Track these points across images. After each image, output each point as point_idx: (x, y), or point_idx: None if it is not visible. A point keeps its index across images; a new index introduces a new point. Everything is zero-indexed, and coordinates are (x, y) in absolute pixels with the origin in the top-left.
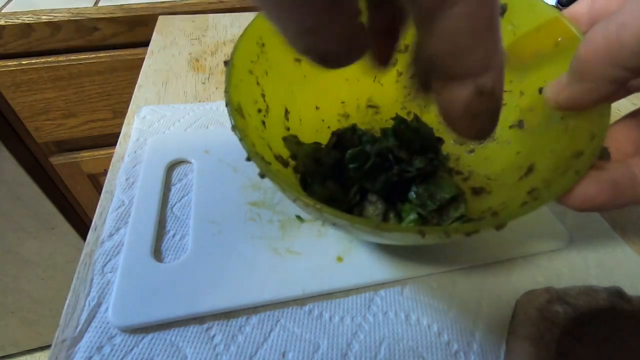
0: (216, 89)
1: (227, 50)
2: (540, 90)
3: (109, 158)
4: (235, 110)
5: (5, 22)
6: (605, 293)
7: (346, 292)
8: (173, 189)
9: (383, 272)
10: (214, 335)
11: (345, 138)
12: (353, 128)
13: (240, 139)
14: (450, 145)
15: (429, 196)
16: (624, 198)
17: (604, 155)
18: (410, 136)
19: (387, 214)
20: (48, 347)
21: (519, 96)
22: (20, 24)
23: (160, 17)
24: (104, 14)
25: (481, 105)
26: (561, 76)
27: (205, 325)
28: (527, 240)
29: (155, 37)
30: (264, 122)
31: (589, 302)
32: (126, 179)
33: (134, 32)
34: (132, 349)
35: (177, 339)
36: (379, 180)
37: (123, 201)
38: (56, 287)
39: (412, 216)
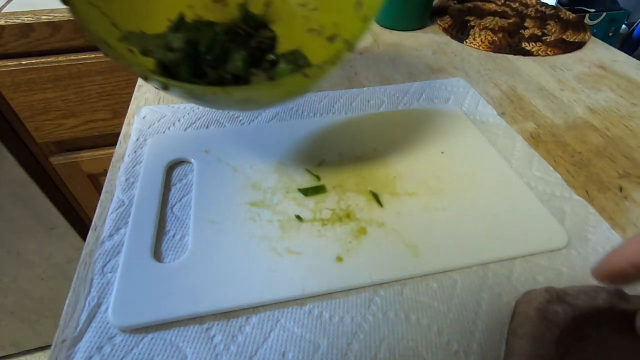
0: None
1: None
2: None
3: (109, 158)
4: (99, 39)
5: (5, 22)
6: (605, 293)
7: (346, 292)
8: (173, 189)
9: (383, 272)
10: (214, 335)
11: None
12: (204, 22)
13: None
14: (294, 8)
15: (294, 56)
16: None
17: None
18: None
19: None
20: (48, 347)
21: None
22: (20, 24)
23: None
24: None
25: None
26: None
27: (205, 325)
28: (527, 240)
29: None
30: (131, 50)
31: (589, 301)
32: (126, 179)
33: None
34: (132, 349)
35: (177, 339)
36: (241, 56)
37: (123, 201)
38: (56, 287)
39: (288, 67)
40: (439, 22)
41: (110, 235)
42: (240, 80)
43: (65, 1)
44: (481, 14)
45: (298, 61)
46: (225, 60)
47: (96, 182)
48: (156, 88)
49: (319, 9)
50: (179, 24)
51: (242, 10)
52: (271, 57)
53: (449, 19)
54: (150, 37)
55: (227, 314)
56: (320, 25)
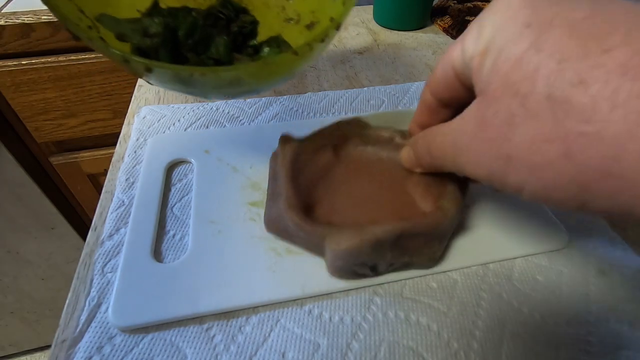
0: None
1: None
2: None
3: (109, 158)
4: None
5: (5, 22)
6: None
7: (346, 292)
8: (173, 189)
9: None
10: (214, 335)
11: (179, 20)
12: (180, 8)
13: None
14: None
15: (276, 42)
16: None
17: None
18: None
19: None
20: (48, 347)
21: None
22: (20, 24)
23: None
24: None
25: None
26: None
27: (205, 325)
28: (527, 240)
29: None
30: (102, 38)
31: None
32: (126, 179)
33: None
34: (132, 349)
35: (177, 339)
36: (223, 41)
37: (123, 201)
38: (56, 287)
39: (273, 51)
40: (439, 22)
41: (110, 235)
42: (222, 65)
43: None
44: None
45: (281, 46)
46: (206, 46)
47: (96, 182)
48: (135, 74)
49: None
50: (153, 10)
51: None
52: (254, 42)
53: (449, 19)
54: (124, 21)
55: (227, 314)
56: (298, 14)
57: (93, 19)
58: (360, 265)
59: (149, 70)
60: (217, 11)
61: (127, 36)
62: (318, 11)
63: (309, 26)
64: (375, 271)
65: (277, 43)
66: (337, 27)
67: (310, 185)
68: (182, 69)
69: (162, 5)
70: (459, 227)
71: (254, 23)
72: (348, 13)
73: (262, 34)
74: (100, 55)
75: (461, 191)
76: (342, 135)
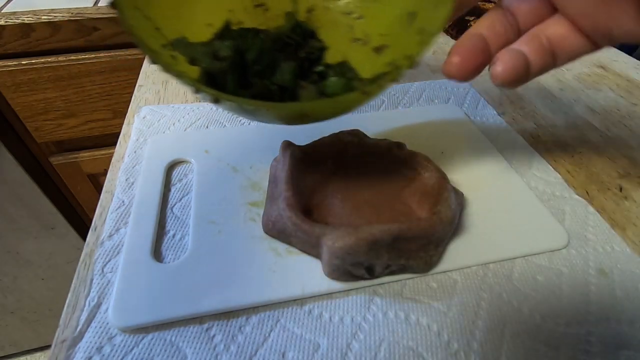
0: None
1: None
2: None
3: (109, 158)
4: (146, 46)
5: (5, 22)
6: (346, 134)
7: (346, 292)
8: (173, 189)
9: None
10: (214, 335)
11: (247, 42)
12: (250, 30)
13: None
14: (338, 16)
15: (342, 68)
16: (523, 77)
17: None
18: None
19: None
20: (48, 347)
21: None
22: (20, 24)
23: None
24: (104, 14)
25: None
26: None
27: (205, 325)
28: (527, 240)
29: None
30: (173, 57)
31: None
32: (126, 179)
33: None
34: (132, 349)
35: (177, 339)
36: (289, 67)
37: (123, 201)
38: (56, 287)
39: (339, 81)
40: None
41: (110, 235)
42: (286, 91)
43: (112, 5)
44: (481, 14)
45: (346, 73)
46: (272, 71)
47: (96, 182)
48: (205, 101)
49: (365, 17)
50: (225, 32)
51: (290, 20)
52: (320, 68)
53: None
54: (197, 45)
55: (227, 314)
56: (366, 35)
57: (167, 43)
58: (356, 266)
59: (217, 101)
60: (286, 36)
61: (198, 60)
62: (388, 35)
63: (377, 49)
64: (371, 273)
65: (343, 69)
66: (411, 64)
67: (309, 191)
68: (249, 103)
69: (233, 26)
70: (459, 227)
71: (322, 49)
72: (423, 48)
73: (329, 54)
74: (100, 55)
75: (457, 199)
76: (342, 144)
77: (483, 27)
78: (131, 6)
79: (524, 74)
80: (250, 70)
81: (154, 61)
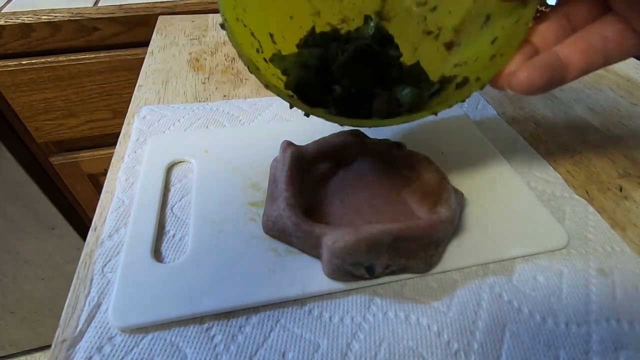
0: (216, 89)
1: (227, 50)
2: None
3: (109, 158)
4: (253, 65)
5: (5, 22)
6: (344, 134)
7: (346, 292)
8: (173, 189)
9: None
10: (214, 335)
11: (328, 50)
12: (334, 37)
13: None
14: (412, 5)
15: (415, 72)
16: (557, 79)
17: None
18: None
19: (390, 99)
20: (48, 347)
21: None
22: (20, 24)
23: (160, 17)
24: (104, 14)
25: None
26: None
27: (205, 325)
28: (527, 240)
29: (155, 37)
30: (265, 60)
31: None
32: (126, 179)
33: (134, 32)
34: (132, 349)
35: (177, 339)
36: (369, 75)
37: (123, 201)
38: (56, 287)
39: (407, 91)
40: None
41: (110, 235)
42: (360, 94)
43: (222, 26)
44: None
45: (419, 77)
46: (352, 80)
47: (96, 182)
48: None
49: (439, 8)
50: (310, 37)
51: (374, 29)
52: (394, 74)
53: None
54: (289, 56)
55: (227, 314)
56: (439, 28)
57: (267, 58)
58: (356, 266)
59: (307, 115)
60: (366, 45)
61: (289, 70)
62: (461, 32)
63: (448, 45)
64: (371, 273)
65: (416, 75)
66: (482, 85)
67: (308, 191)
68: (336, 120)
69: (312, 17)
70: (459, 227)
71: (399, 58)
72: (495, 74)
73: (401, 46)
74: (100, 55)
75: (457, 199)
76: (342, 145)
77: (535, 35)
78: (234, 19)
79: (558, 77)
80: (334, 79)
81: (259, 78)
